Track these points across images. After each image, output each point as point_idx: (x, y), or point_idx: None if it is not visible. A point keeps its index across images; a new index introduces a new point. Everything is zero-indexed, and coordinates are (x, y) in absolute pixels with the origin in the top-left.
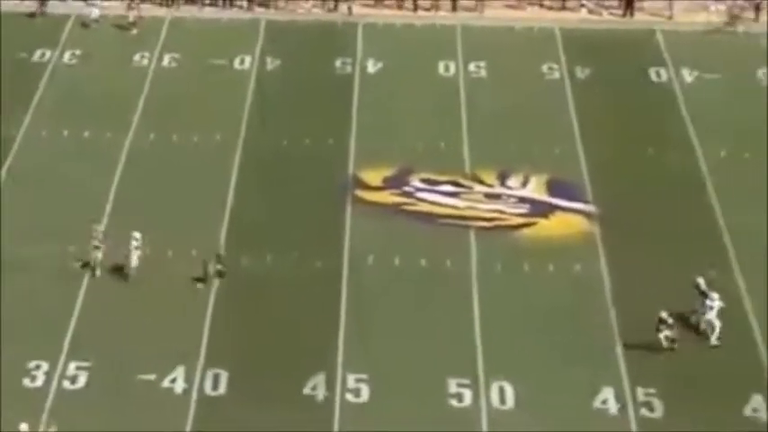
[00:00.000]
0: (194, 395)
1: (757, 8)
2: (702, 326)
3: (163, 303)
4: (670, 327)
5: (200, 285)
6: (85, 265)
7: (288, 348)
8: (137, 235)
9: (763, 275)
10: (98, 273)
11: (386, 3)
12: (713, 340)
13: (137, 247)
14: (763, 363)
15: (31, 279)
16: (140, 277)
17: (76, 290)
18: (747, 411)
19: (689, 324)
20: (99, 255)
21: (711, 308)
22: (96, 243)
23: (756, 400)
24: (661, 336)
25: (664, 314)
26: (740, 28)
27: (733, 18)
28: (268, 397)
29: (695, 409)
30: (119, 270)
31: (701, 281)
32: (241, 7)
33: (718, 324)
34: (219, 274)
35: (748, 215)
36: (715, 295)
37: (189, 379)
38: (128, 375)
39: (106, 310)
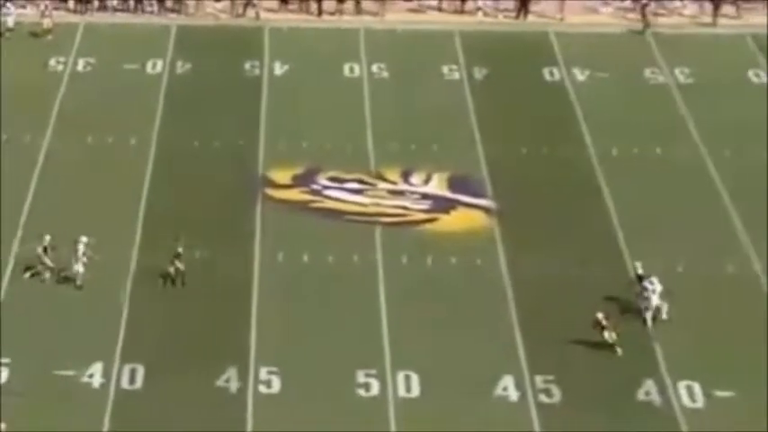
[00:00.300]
0: (112, 390)
1: (643, 9)
2: (644, 313)
3: (81, 300)
4: (607, 327)
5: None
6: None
7: (202, 342)
8: (84, 239)
9: (656, 265)
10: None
11: (290, 8)
12: (664, 315)
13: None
14: (654, 349)
15: None
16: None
17: None
18: (640, 395)
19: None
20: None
21: (654, 291)
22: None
23: (648, 384)
24: (606, 335)
25: (600, 315)
26: (648, 30)
27: (646, 19)
28: (183, 390)
29: (591, 395)
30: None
31: (638, 264)
32: (152, 13)
33: (663, 306)
34: (178, 273)
35: (640, 210)
36: (654, 279)
37: (107, 374)
38: (46, 371)
39: (26, 308)
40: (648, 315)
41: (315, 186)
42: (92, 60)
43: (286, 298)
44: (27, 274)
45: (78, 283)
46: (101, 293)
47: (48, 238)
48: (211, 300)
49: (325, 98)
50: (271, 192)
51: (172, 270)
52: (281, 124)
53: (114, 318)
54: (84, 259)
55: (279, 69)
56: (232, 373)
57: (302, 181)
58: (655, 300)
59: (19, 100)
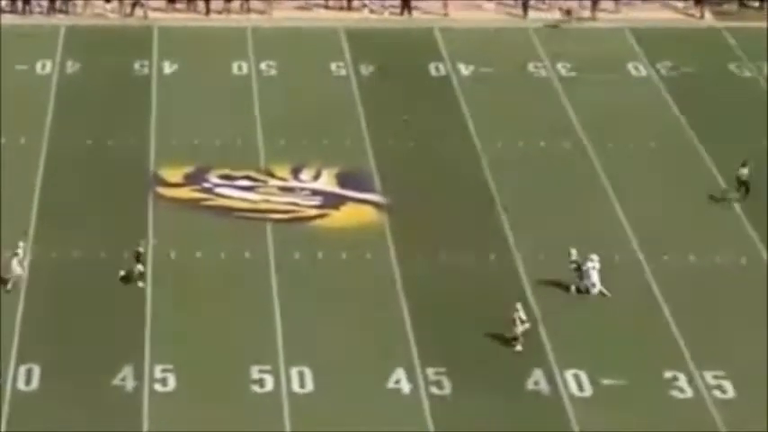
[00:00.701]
0: (8, 391)
1: (525, 6)
2: (592, 290)
3: None
4: (524, 321)
5: (141, 284)
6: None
7: (97, 342)
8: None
9: (540, 257)
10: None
11: (178, 7)
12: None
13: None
14: (541, 338)
15: None
16: None
17: None
18: (530, 385)
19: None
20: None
21: (594, 267)
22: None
23: (537, 374)
24: (518, 329)
25: (520, 314)
26: (573, 23)
27: (568, 14)
28: (79, 390)
29: (482, 386)
30: None
31: (573, 251)
32: (41, 13)
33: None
34: (141, 275)
35: (525, 201)
36: (594, 257)
37: (2, 375)
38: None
39: None
40: (595, 290)
41: (206, 184)
42: None
43: (179, 295)
44: None
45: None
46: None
47: None
48: (106, 298)
49: (214, 96)
50: (162, 190)
51: (136, 270)
52: (171, 123)
53: (9, 317)
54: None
55: (168, 68)
56: (128, 371)
57: (193, 179)
58: (595, 276)
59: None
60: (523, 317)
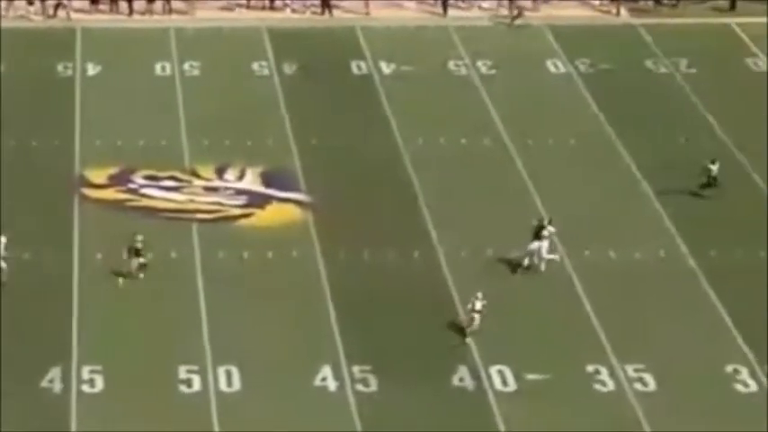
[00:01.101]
0: None
1: (444, 5)
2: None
3: None
4: (481, 312)
5: (121, 280)
6: None
7: (25, 343)
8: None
9: (462, 254)
10: None
11: (101, 8)
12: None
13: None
14: (467, 335)
15: None
16: None
17: None
18: (455, 381)
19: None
20: None
21: (545, 236)
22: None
23: (462, 370)
24: (475, 322)
25: (478, 303)
26: (519, 21)
27: (518, 11)
28: (5, 392)
29: (407, 382)
30: None
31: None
32: None
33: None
34: (142, 267)
35: (447, 198)
36: (550, 227)
37: None
38: None
39: None
40: (553, 257)
41: (131, 185)
42: None
43: (106, 296)
44: None
45: None
46: None
47: None
48: (33, 300)
49: (138, 97)
50: (88, 192)
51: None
52: (95, 124)
53: None
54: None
55: (92, 70)
56: (55, 373)
57: (118, 180)
58: (546, 246)
59: None
60: (478, 307)
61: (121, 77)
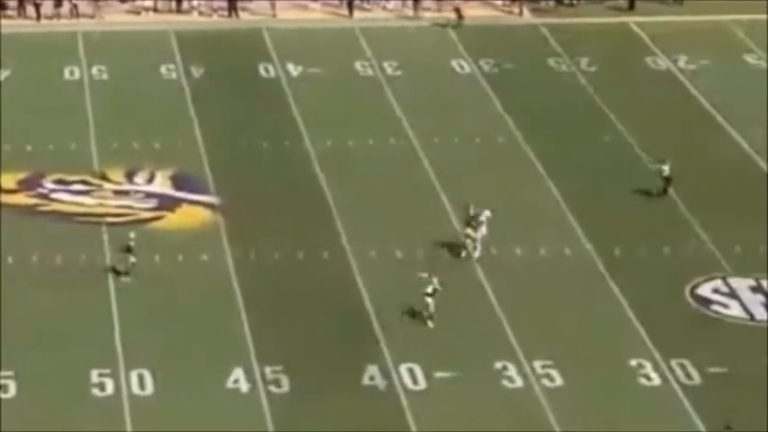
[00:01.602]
0: None
1: (350, 6)
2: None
3: None
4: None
5: (124, 279)
6: None
7: None
8: None
9: (371, 254)
10: None
11: (9, 13)
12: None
13: None
14: (375, 333)
15: None
16: None
17: None
18: (365, 380)
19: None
20: None
21: (482, 221)
22: None
23: (372, 369)
24: (429, 300)
25: (430, 288)
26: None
27: (458, 12)
28: None
29: (318, 383)
30: None
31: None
32: None
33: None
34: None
35: (355, 197)
36: (487, 212)
37: None
38: None
39: None
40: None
41: (41, 190)
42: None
43: (18, 302)
44: None
45: None
46: None
47: None
48: None
49: (46, 101)
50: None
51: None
52: (4, 128)
53: None
54: None
55: (1, 75)
56: None
57: (28, 185)
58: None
59: None
60: (429, 290)
61: (30, 82)
